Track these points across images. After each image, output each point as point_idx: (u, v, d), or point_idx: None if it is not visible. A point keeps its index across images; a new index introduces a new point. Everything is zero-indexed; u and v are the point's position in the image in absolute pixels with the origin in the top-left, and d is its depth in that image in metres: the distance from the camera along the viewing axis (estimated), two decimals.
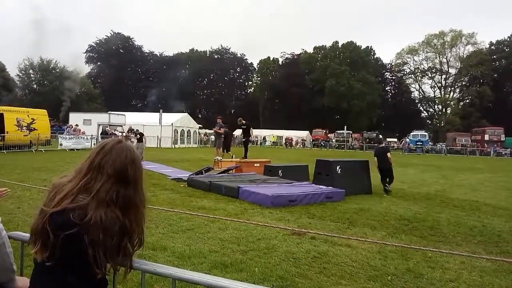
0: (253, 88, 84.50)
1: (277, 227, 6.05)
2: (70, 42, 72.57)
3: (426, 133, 49.20)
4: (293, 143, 52.84)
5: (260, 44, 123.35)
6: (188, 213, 6.78)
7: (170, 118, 37.11)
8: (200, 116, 72.17)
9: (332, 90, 67.72)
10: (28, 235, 1.85)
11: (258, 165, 13.17)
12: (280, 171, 11.30)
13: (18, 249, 1.75)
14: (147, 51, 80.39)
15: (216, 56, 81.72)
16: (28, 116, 23.73)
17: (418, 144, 45.65)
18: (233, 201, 8.27)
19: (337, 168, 9.97)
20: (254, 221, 6.38)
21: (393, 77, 78.43)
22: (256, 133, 57.38)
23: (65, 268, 1.29)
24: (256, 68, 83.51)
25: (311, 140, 55.75)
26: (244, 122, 15.53)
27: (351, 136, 54.54)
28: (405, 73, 75.77)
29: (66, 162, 15.49)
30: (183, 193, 9.22)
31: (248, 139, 16.13)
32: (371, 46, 75.72)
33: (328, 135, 56.76)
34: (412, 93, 76.40)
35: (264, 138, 55.99)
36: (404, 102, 74.80)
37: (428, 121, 74.11)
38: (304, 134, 57.29)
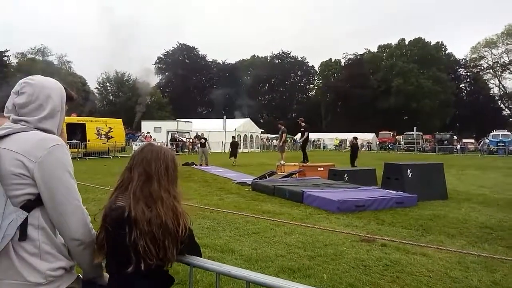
0: (314, 91, 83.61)
1: (345, 233, 5.86)
2: (141, 55, 78.43)
3: (509, 133, 44.47)
4: (358, 146, 51.09)
5: (322, 46, 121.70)
6: (253, 217, 6.86)
7: (233, 123, 38.08)
8: (262, 121, 73.03)
9: (400, 89, 64.48)
10: None
11: (322, 169, 12.93)
12: (345, 175, 10.97)
13: None
14: (211, 60, 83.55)
15: (276, 61, 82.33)
16: (106, 125, 25.91)
17: (499, 145, 41.44)
18: (298, 205, 8.19)
19: (408, 171, 9.41)
20: (321, 226, 6.26)
21: (468, 73, 72.55)
22: (319, 136, 56.64)
23: (127, 267, 1.43)
24: (318, 71, 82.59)
25: (377, 142, 53.47)
26: (303, 124, 15.38)
27: (422, 138, 51.28)
28: (482, 68, 69.70)
29: None
30: (248, 197, 9.35)
31: (306, 143, 15.91)
32: (441, 42, 71.01)
33: (396, 137, 53.96)
34: (491, 89, 70.02)
35: (318, 140, 54.91)
36: (481, 100, 68.64)
37: (511, 119, 67.11)
38: (369, 136, 55.15)
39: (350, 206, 7.61)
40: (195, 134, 32.66)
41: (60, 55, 66.84)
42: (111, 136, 25.58)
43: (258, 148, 41.49)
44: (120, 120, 28.24)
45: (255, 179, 11.24)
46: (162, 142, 28.22)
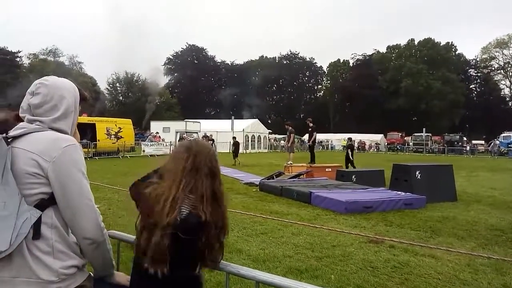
0: (322, 92, 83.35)
1: (353, 234, 5.85)
2: (150, 56, 78.74)
3: None
4: (366, 147, 50.83)
5: (330, 47, 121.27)
6: (261, 217, 6.87)
7: (241, 124, 38.12)
8: (269, 121, 73.01)
9: (408, 90, 63.94)
10: (124, 234, 2.03)
11: (330, 170, 12.89)
12: (353, 176, 10.92)
13: (114, 246, 1.92)
14: (219, 61, 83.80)
15: (285, 62, 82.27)
16: (115, 125, 26.15)
17: (510, 147, 40.81)
18: (305, 206, 8.19)
19: (417, 173, 9.34)
20: (329, 227, 6.25)
21: (479, 74, 71.66)
22: (327, 137, 56.41)
23: (178, 271, 1.42)
24: (326, 72, 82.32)
25: (385, 143, 53.10)
26: (311, 124, 15.36)
27: (431, 139, 50.79)
28: (493, 69, 68.79)
29: (149, 168, 16.65)
30: (256, 197, 9.37)
31: (314, 143, 15.88)
32: (451, 42, 70.29)
33: (405, 138, 53.52)
34: (502, 90, 69.03)
35: (324, 140, 54.69)
36: (492, 101, 67.74)
37: None
38: (378, 137, 54.80)
39: (358, 207, 7.59)
40: (203, 134, 32.80)
41: (71, 56, 67.75)
42: (121, 136, 25.81)
43: (266, 148, 41.48)
44: (129, 120, 28.47)
45: (262, 179, 11.25)
46: (170, 142, 28.38)
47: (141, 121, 52.97)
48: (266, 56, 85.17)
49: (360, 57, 75.79)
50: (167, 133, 31.43)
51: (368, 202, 7.78)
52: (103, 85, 70.15)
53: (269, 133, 45.01)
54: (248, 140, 37.94)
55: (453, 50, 70.67)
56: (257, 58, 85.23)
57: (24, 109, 1.46)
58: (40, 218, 1.32)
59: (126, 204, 8.03)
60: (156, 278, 1.41)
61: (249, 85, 76.61)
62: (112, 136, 25.37)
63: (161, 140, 29.12)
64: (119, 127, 26.15)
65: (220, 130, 34.31)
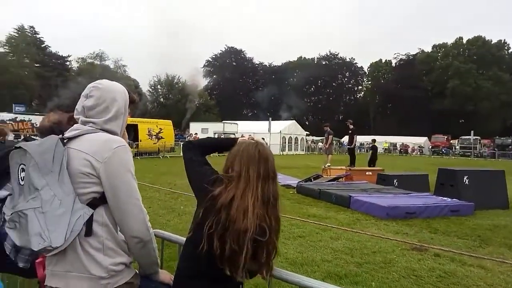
0: (363, 93, 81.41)
1: (395, 240, 5.65)
2: (190, 59, 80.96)
3: None
4: (409, 150, 48.95)
5: (371, 46, 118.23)
6: (299, 220, 6.81)
7: (279, 125, 38.07)
8: (307, 123, 72.29)
9: (455, 91, 60.88)
10: (167, 233, 2.08)
11: (371, 173, 12.55)
12: (395, 181, 10.55)
13: (158, 245, 1.97)
14: (257, 62, 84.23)
15: (324, 62, 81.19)
16: (156, 126, 27.04)
17: None
18: (344, 210, 8.02)
19: (465, 178, 8.85)
20: (369, 232, 6.07)
21: None
22: (367, 139, 54.91)
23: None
24: (367, 72, 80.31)
25: (430, 146, 50.82)
26: (351, 126, 15.05)
27: (479, 142, 47.96)
28: None
29: None
30: (293, 199, 9.31)
31: (354, 146, 15.53)
32: (504, 40, 66.06)
33: (451, 142, 50.94)
34: None
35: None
36: None
37: None
38: (421, 140, 52.59)
39: (400, 213, 7.32)
40: (240, 136, 33.07)
41: (116, 59, 70.70)
42: (161, 136, 26.63)
43: (303, 150, 41.13)
44: (169, 122, 29.34)
45: (300, 182, 11.17)
46: None
47: (180, 122, 54.33)
48: (304, 57, 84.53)
49: (403, 57, 73.22)
50: (205, 133, 32.07)
51: (411, 208, 7.48)
52: (145, 87, 72.80)
53: (307, 134, 44.55)
54: (285, 142, 37.81)
55: (506, 48, 66.45)
56: (295, 59, 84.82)
57: (78, 111, 1.54)
58: (92, 216, 1.39)
59: (166, 203, 8.29)
60: (214, 281, 1.46)
61: (287, 86, 76.41)
62: (153, 136, 26.24)
63: None
64: (160, 128, 27.01)
65: (257, 132, 34.46)
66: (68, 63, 62.63)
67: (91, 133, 1.47)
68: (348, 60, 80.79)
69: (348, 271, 4.29)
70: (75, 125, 1.52)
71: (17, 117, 24.17)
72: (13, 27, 54.47)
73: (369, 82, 79.28)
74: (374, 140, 18.17)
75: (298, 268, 4.31)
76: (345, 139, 30.27)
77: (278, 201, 1.51)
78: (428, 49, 72.06)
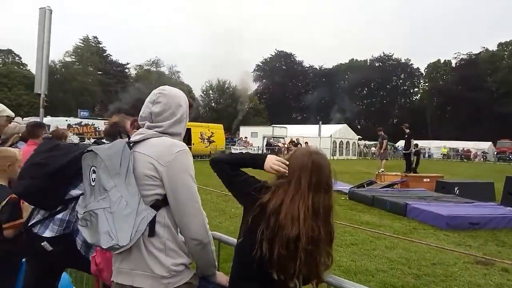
0: (419, 95, 77.53)
1: (457, 252, 5.29)
2: (241, 64, 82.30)
3: None
4: (471, 156, 45.71)
5: (429, 46, 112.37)
6: (351, 226, 6.62)
7: (329, 129, 37.35)
8: (359, 127, 70.25)
9: None
10: (224, 235, 2.12)
11: (428, 180, 11.89)
12: (456, 188, 9.91)
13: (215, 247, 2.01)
14: (307, 66, 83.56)
15: (377, 64, 78.54)
16: (208, 130, 27.81)
17: None
18: (400, 218, 7.67)
19: None
20: (427, 242, 5.75)
21: None
22: (424, 144, 52.18)
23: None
24: (424, 73, 76.41)
25: (495, 152, 47.08)
26: (408, 131, 14.39)
27: None
28: None
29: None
30: (345, 206, 9.07)
31: (411, 151, 14.80)
32: None
33: None
34: None
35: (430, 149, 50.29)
36: None
37: None
38: (485, 145, 48.84)
39: (462, 223, 6.85)
40: (289, 139, 32.94)
41: (171, 66, 73.88)
42: (213, 140, 27.33)
43: (355, 155, 39.96)
44: (221, 126, 30.02)
45: (352, 187, 10.86)
46: (258, 147, 29.14)
47: (230, 126, 55.35)
48: (356, 59, 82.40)
49: (465, 56, 68.62)
50: (255, 138, 32.35)
51: (475, 218, 6.97)
52: (197, 93, 75.21)
53: (359, 139, 43.26)
54: (336, 146, 37.01)
55: None
56: (347, 61, 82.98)
57: (143, 116, 1.63)
58: (155, 217, 1.45)
59: (218, 206, 8.46)
60: (265, 284, 1.47)
61: (337, 89, 74.89)
62: (205, 140, 26.99)
63: (249, 145, 30.06)
64: (212, 132, 27.74)
65: (307, 136, 34.06)
66: (127, 70, 66.58)
67: (155, 137, 1.54)
68: (403, 61, 77.45)
69: (405, 282, 4.09)
70: (140, 129, 1.60)
71: (82, 122, 26.04)
72: (79, 37, 59.22)
73: (426, 84, 75.34)
74: (417, 145, 17.22)
75: (351, 277, 4.19)
76: (400, 143, 28.98)
77: (330, 214, 1.49)
78: (493, 47, 67.09)
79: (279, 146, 31.34)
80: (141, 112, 1.64)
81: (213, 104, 75.08)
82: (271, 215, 1.43)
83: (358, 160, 36.27)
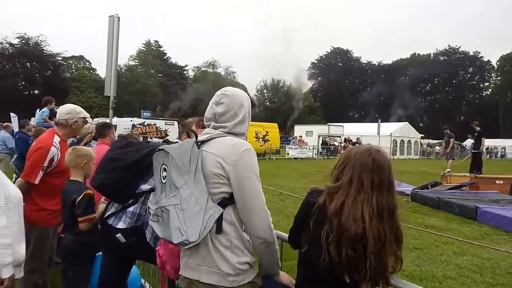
0: (490, 90, 71.49)
1: None
2: (295, 62, 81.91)
3: None
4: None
5: (501, 37, 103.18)
6: (415, 229, 6.28)
7: (389, 127, 35.74)
8: (421, 124, 66.52)
9: None
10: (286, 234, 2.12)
11: (502, 182, 10.91)
12: None
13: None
14: (365, 62, 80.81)
15: (441, 58, 73.72)
16: (263, 129, 28.01)
17: None
18: (469, 222, 7.13)
19: None
20: (502, 249, 5.28)
21: None
22: (495, 143, 48.01)
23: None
24: (496, 66, 70.26)
25: None
26: (478, 129, 13.34)
27: None
28: None
29: (293, 170, 17.31)
30: (407, 208, 8.63)
31: (481, 150, 13.68)
32: None
33: None
34: None
35: (504, 148, 46.09)
36: None
37: None
38: None
39: None
40: (344, 138, 32.08)
41: (227, 67, 75.60)
42: (267, 139, 27.50)
43: (417, 154, 37.83)
44: (275, 124, 30.10)
45: (415, 188, 10.30)
46: (314, 146, 28.78)
47: (285, 125, 55.29)
48: (418, 53, 77.98)
49: None
50: (310, 136, 31.95)
51: None
52: (252, 92, 76.15)
53: (421, 137, 40.91)
54: (396, 145, 35.33)
55: None
56: (408, 56, 78.86)
57: (208, 117, 1.68)
58: (222, 215, 1.49)
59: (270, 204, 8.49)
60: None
61: (398, 85, 71.47)
62: (260, 139, 27.23)
63: (304, 144, 29.78)
64: (266, 131, 27.91)
65: (365, 134, 32.91)
66: (185, 72, 69.28)
67: (221, 137, 1.59)
68: (471, 54, 71.87)
69: None
70: (206, 129, 1.66)
71: (144, 122, 27.58)
72: (142, 42, 62.83)
73: (499, 78, 69.22)
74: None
75: (416, 283, 3.93)
76: (467, 142, 26.92)
77: (396, 212, 1.43)
78: None
79: (334, 145, 30.73)
80: (206, 113, 1.69)
81: (268, 103, 75.54)
82: (332, 217, 1.40)
83: (420, 160, 34.35)
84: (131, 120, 25.19)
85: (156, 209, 1.55)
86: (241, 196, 1.49)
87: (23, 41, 45.20)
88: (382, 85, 69.42)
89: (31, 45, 45.51)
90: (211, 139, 1.58)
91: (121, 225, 2.22)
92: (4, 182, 1.91)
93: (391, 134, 34.55)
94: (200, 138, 1.61)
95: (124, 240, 2.18)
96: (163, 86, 58.71)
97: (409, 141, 36.92)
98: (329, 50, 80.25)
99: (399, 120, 45.79)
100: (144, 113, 31.45)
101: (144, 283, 3.40)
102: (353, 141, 22.96)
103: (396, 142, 35.26)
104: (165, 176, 1.54)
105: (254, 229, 1.51)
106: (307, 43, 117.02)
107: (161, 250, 1.96)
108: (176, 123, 25.69)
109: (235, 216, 1.52)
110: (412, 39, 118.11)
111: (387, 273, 1.42)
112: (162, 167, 1.57)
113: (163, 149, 1.58)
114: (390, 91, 66.91)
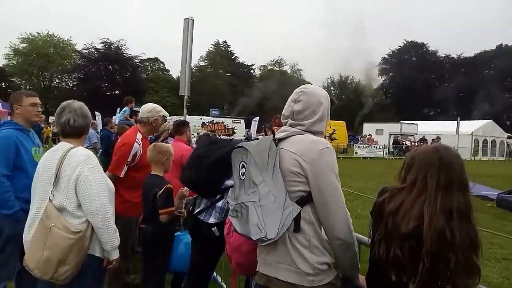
0: None
1: None
2: (365, 57, 78.77)
3: None
4: None
5: None
6: (502, 237, 5.71)
7: (469, 126, 32.85)
8: (508, 123, 59.99)
9: None
10: (362, 236, 2.06)
11: None
12: None
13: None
14: (443, 55, 75.04)
15: None
16: (330, 127, 27.43)
17: None
18: None
19: None
20: None
21: None
22: None
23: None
24: None
25: None
26: None
27: None
28: None
29: (361, 169, 16.73)
30: (491, 214, 7.92)
31: None
32: None
33: None
34: None
35: None
36: None
37: None
38: None
39: None
40: (420, 138, 30.11)
41: (293, 64, 75.25)
42: (334, 137, 26.90)
43: (503, 156, 34.26)
44: (343, 122, 29.33)
45: (501, 193, 9.37)
46: (384, 145, 27.53)
47: (353, 123, 53.54)
48: (505, 45, 70.32)
49: None
50: (380, 135, 30.61)
51: None
52: None
53: (508, 137, 36.94)
54: (478, 145, 32.36)
55: None
56: (493, 48, 71.52)
57: (285, 115, 1.69)
58: (299, 213, 1.48)
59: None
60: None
61: (480, 80, 65.21)
62: (327, 137, 26.70)
63: (374, 143, 28.59)
64: (334, 129, 27.32)
65: (442, 133, 30.59)
66: (252, 71, 70.43)
67: (298, 134, 1.58)
68: None
69: None
70: (283, 127, 1.67)
71: (213, 120, 28.64)
72: (211, 43, 65.20)
73: None
74: None
75: None
76: None
77: (471, 214, 1.31)
78: None
79: (407, 145, 29.05)
80: (283, 111, 1.70)
81: (335, 100, 73.79)
82: (389, 216, 1.36)
83: (506, 162, 31.09)
84: (201, 118, 26.26)
85: (235, 204, 1.60)
86: (319, 195, 1.48)
87: (106, 46, 49.61)
88: (461, 80, 63.87)
89: (113, 49, 49.78)
90: (288, 136, 1.58)
91: (212, 220, 2.38)
92: (105, 176, 2.17)
93: (472, 133, 31.75)
94: (277, 135, 1.62)
95: (218, 234, 2.32)
96: (230, 85, 60.37)
97: (493, 141, 33.59)
98: (401, 44, 75.92)
99: (482, 118, 41.80)
100: (213, 112, 32.61)
101: (216, 276, 3.53)
102: (433, 139, 21.37)
103: (478, 142, 32.30)
104: (244, 172, 1.58)
105: (333, 230, 1.48)
106: (377, 37, 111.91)
107: (227, 245, 2.02)
108: (243, 121, 26.24)
109: (314, 216, 1.51)
110: (498, 29, 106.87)
111: (458, 280, 1.29)
112: (241, 163, 1.61)
113: (242, 146, 1.62)
114: (471, 87, 61.25)
